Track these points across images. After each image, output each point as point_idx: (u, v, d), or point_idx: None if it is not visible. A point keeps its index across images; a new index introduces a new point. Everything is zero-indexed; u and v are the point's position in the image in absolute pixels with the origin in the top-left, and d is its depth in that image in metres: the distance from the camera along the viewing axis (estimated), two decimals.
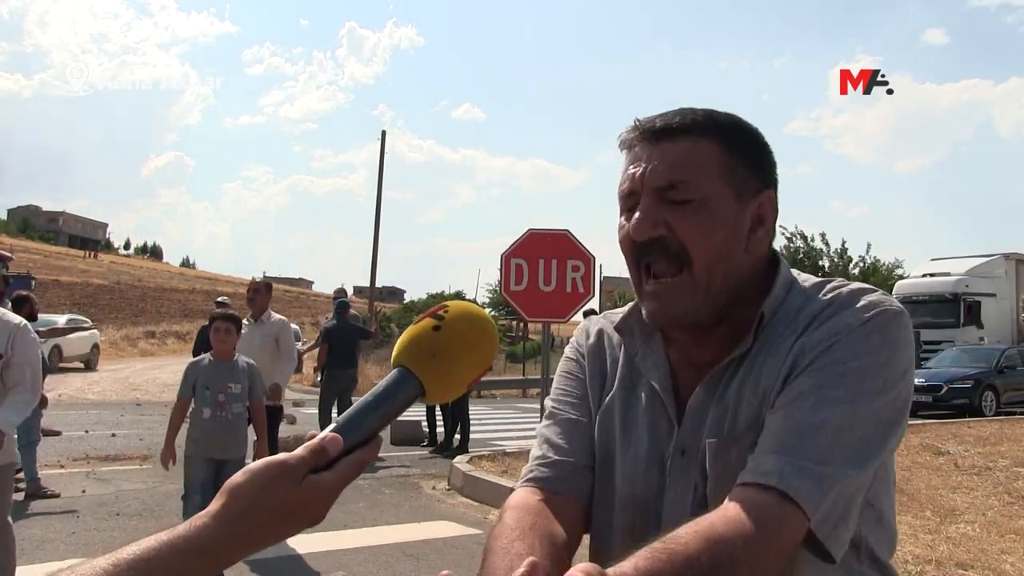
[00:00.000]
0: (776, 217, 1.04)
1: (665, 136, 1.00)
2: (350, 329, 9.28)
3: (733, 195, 0.99)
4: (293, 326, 8.52)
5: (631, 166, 1.01)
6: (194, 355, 9.67)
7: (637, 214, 0.98)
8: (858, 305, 0.95)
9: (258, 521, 0.68)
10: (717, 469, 0.95)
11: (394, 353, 0.79)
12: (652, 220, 0.97)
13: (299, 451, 0.71)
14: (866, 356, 0.91)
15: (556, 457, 1.08)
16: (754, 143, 1.03)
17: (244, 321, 5.78)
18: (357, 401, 0.77)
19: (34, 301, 6.87)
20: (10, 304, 6.54)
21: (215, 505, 0.69)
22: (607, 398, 1.10)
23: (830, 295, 0.98)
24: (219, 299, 10.41)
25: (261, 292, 6.36)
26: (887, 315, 0.94)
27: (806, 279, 1.04)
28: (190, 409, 4.50)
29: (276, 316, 6.47)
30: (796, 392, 0.91)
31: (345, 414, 0.75)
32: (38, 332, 7.04)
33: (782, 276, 1.03)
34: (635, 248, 1.00)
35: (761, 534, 0.82)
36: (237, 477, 0.70)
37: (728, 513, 0.84)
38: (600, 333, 1.16)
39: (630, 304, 1.11)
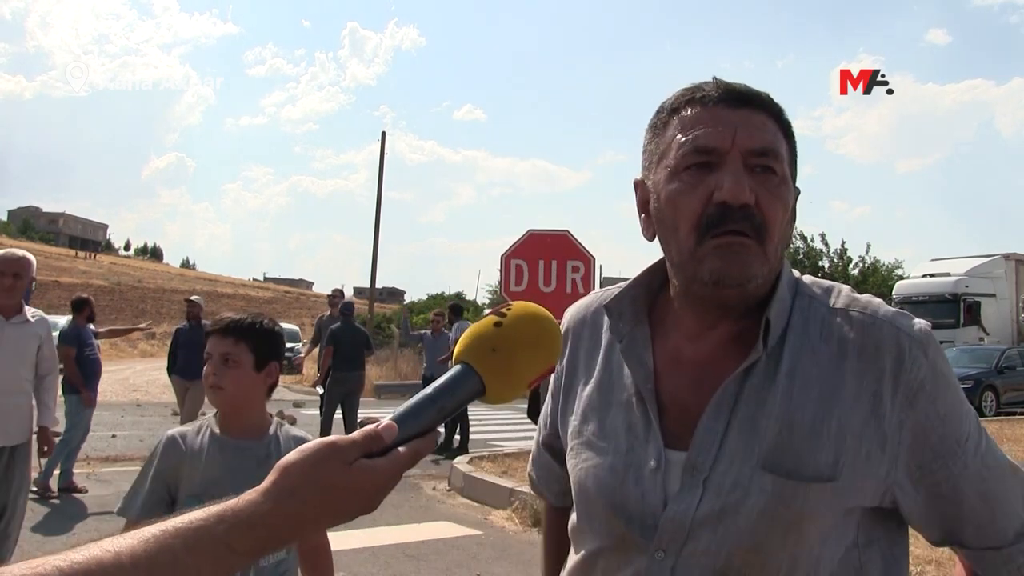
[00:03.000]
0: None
1: (748, 104, 0.93)
2: (358, 333, 9.19)
3: (791, 182, 0.95)
4: (291, 326, 8.07)
5: (708, 124, 0.92)
6: (169, 367, 8.66)
7: (729, 175, 0.89)
8: (925, 340, 0.92)
9: (306, 499, 0.68)
10: (776, 507, 0.87)
11: (456, 349, 0.79)
12: (746, 185, 0.89)
13: (353, 435, 0.71)
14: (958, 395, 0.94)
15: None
16: (794, 141, 0.99)
17: None
18: (417, 393, 0.77)
19: (93, 304, 7.29)
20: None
21: (266, 482, 0.69)
22: (583, 387, 1.06)
23: (877, 320, 0.92)
24: (191, 297, 8.90)
25: (23, 272, 3.96)
26: (934, 338, 0.93)
27: (809, 281, 0.99)
28: None
29: (36, 312, 4.17)
30: (976, 470, 0.92)
31: (405, 405, 0.75)
32: (96, 333, 7.33)
33: (785, 278, 0.96)
34: (714, 211, 0.90)
35: None
36: (290, 456, 0.69)
37: None
38: (585, 315, 1.12)
39: (623, 284, 1.05)
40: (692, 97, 0.96)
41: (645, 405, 0.97)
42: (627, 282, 1.05)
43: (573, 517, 1.06)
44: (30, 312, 4.13)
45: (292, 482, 0.68)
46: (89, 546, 0.62)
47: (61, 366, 5.04)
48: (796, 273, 1.00)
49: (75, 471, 6.84)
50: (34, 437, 4.21)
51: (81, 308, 7.10)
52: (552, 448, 1.19)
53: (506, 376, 0.77)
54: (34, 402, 4.20)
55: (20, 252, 4.16)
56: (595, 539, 1.00)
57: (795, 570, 0.88)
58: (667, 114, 0.98)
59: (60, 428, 5.70)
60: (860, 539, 0.92)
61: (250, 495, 0.68)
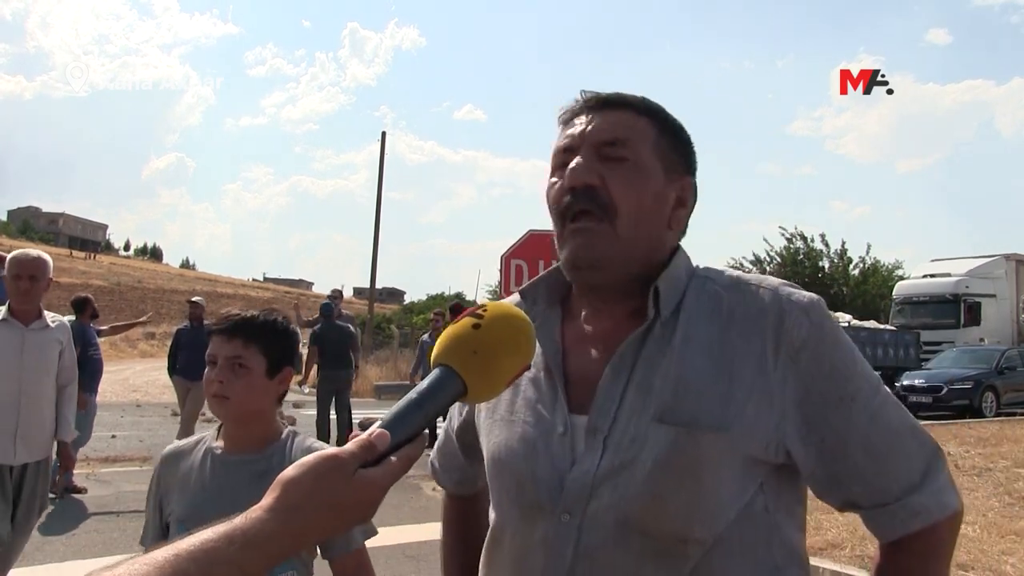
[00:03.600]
0: (695, 203, 1.09)
1: (607, 106, 1.06)
2: (339, 331, 9.34)
3: (662, 170, 1.04)
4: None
5: (570, 127, 1.07)
6: (170, 367, 8.73)
7: (573, 164, 1.02)
8: (808, 305, 0.99)
9: (310, 515, 0.68)
10: (670, 456, 0.93)
11: (435, 352, 0.80)
12: (588, 169, 1.01)
13: (349, 446, 0.71)
14: (849, 351, 1.00)
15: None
16: (680, 131, 1.09)
17: None
18: (402, 399, 0.78)
19: (93, 302, 7.27)
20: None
21: (269, 499, 0.69)
22: None
23: (761, 290, 1.00)
24: (194, 298, 8.97)
25: (40, 274, 3.70)
26: (823, 306, 1.00)
27: (708, 268, 1.07)
28: None
29: (55, 316, 3.93)
30: (864, 421, 0.96)
31: (391, 411, 0.76)
32: (99, 331, 7.30)
33: (681, 257, 1.06)
34: (566, 197, 1.02)
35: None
36: (290, 471, 0.70)
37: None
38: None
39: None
40: (567, 109, 1.10)
41: (553, 377, 1.04)
42: (543, 272, 1.15)
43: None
44: (50, 317, 3.80)
45: (295, 499, 0.68)
46: (103, 572, 0.62)
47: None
48: (695, 263, 1.09)
49: (75, 471, 6.84)
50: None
51: (83, 307, 7.10)
52: (463, 440, 1.25)
53: (487, 376, 0.79)
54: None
55: (35, 252, 3.82)
56: (504, 510, 1.06)
57: (691, 517, 0.93)
58: (559, 129, 1.11)
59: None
60: (769, 501, 0.97)
61: (255, 512, 0.68)
